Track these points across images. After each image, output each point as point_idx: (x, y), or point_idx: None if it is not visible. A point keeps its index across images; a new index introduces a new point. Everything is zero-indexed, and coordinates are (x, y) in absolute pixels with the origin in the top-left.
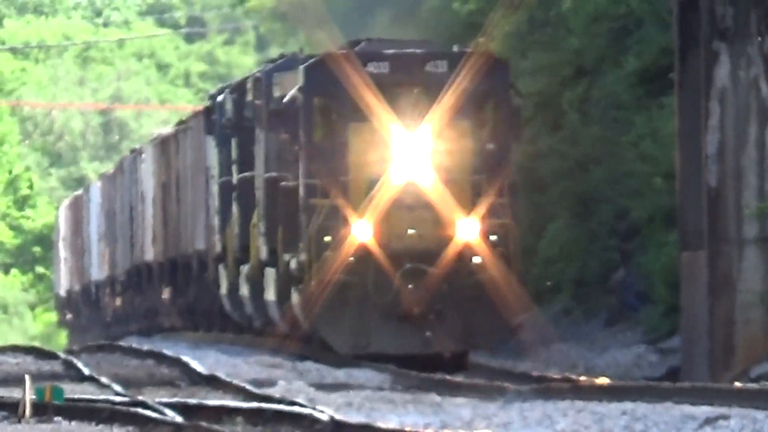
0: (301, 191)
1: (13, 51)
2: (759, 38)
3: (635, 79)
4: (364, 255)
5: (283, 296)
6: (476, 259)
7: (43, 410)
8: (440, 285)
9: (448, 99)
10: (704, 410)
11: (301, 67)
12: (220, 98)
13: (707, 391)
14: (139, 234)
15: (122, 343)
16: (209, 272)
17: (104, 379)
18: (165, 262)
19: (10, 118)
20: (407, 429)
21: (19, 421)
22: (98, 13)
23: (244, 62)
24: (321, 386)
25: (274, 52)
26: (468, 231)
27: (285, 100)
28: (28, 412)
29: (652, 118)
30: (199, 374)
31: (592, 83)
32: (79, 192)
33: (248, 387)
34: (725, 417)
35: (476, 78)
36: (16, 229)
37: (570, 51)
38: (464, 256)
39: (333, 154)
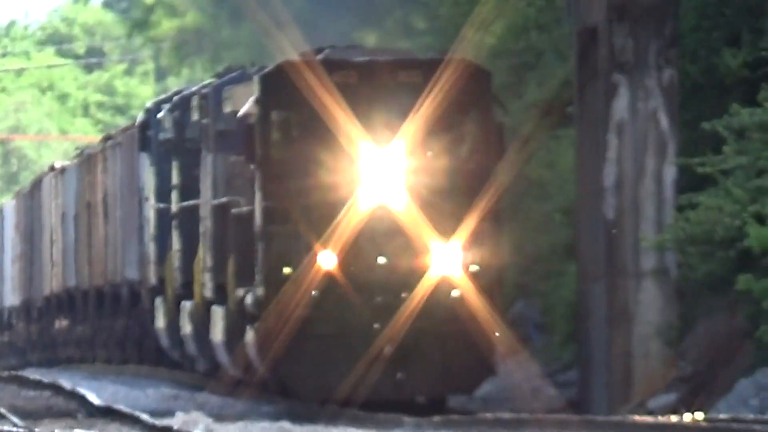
0: (258, 216)
1: None
2: (658, 71)
3: (535, 112)
4: (329, 288)
5: (233, 336)
6: (455, 293)
7: None
8: (415, 321)
9: (423, 112)
10: None
11: (257, 76)
12: (159, 115)
13: (608, 424)
14: (60, 258)
15: (24, 373)
16: (143, 304)
17: (1, 410)
18: (90, 289)
19: None
20: None
21: None
22: None
23: (143, 92)
24: (220, 417)
25: (172, 82)
26: (446, 261)
27: (239, 114)
28: None
29: (551, 150)
30: (95, 406)
31: None
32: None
33: (145, 418)
34: None
35: (455, 88)
36: None
37: None
38: (442, 289)
39: (294, 174)
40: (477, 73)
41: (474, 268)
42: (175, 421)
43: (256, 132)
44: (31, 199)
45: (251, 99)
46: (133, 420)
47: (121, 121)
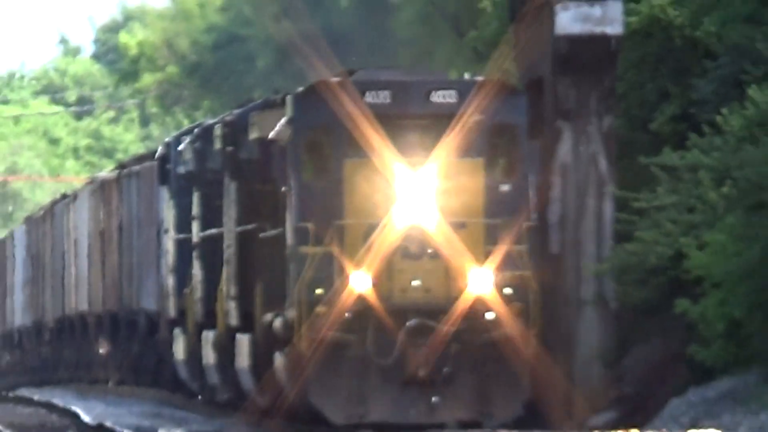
0: (290, 237)
1: None
2: (598, 118)
3: None
4: (362, 310)
5: (260, 363)
6: (490, 315)
7: None
8: (449, 344)
9: (457, 133)
10: None
11: (290, 96)
12: (180, 147)
13: None
14: (71, 282)
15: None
16: (161, 335)
17: None
18: (104, 314)
19: None
20: None
21: None
22: None
23: (127, 138)
24: None
25: (155, 128)
26: (481, 283)
27: (270, 135)
28: None
29: None
30: (86, 423)
31: None
32: (0, 237)
33: None
34: None
35: (489, 109)
36: None
37: None
38: (476, 311)
39: (326, 195)
40: (512, 94)
41: (508, 290)
42: None
43: (288, 152)
44: (43, 224)
45: (283, 119)
46: None
47: (109, 164)
